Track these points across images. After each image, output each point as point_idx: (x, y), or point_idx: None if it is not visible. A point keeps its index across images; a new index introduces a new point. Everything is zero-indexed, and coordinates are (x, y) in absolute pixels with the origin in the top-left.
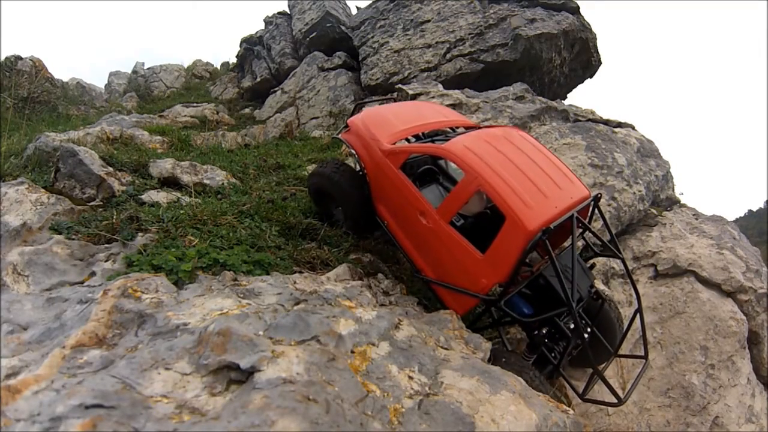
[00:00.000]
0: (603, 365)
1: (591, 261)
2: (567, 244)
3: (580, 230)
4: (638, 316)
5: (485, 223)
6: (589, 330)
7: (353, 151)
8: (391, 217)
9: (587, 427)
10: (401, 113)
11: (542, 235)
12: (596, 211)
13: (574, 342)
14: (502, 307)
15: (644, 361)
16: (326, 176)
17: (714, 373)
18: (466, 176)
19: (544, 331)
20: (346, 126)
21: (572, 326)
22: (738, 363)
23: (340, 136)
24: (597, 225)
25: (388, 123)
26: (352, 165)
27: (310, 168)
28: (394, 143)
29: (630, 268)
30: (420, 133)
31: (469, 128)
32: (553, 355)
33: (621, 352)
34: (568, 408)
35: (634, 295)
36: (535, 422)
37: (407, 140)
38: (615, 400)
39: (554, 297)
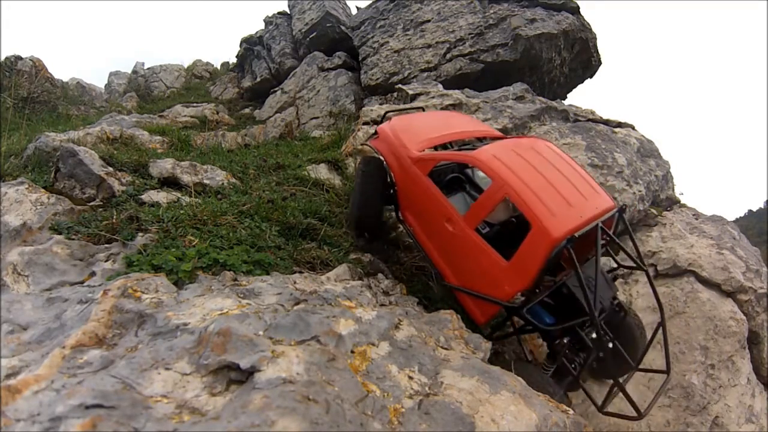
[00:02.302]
0: (623, 378)
1: (613, 272)
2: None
3: (605, 241)
4: (661, 328)
5: (510, 231)
6: (610, 342)
7: (382, 158)
8: (418, 224)
9: (587, 427)
10: (429, 122)
11: (567, 243)
12: (621, 222)
13: (595, 353)
14: (524, 315)
15: (666, 375)
16: (362, 163)
17: (714, 373)
18: (493, 184)
19: (565, 341)
20: (375, 133)
21: (594, 337)
22: (738, 363)
23: (369, 143)
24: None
25: (417, 131)
26: None
27: (310, 168)
28: (423, 151)
29: (630, 269)
30: (448, 143)
31: (496, 138)
32: (573, 366)
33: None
34: (568, 408)
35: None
36: (535, 422)
37: (435, 149)
38: (634, 414)
39: (577, 307)
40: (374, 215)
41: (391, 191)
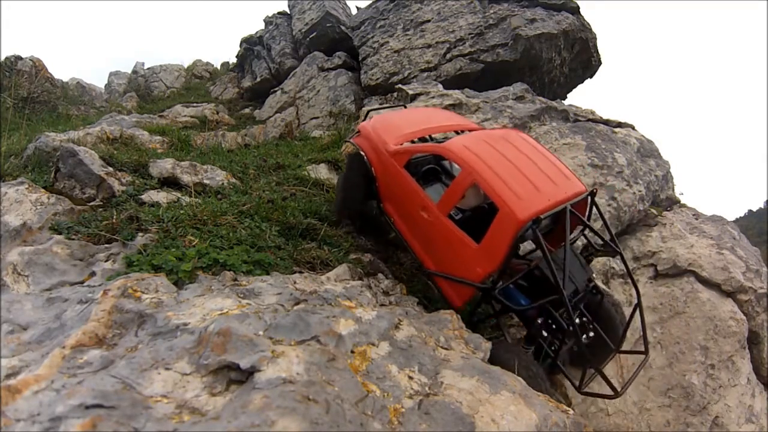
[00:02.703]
0: (604, 362)
1: (592, 259)
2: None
3: (580, 227)
4: (638, 311)
5: (482, 216)
6: (591, 326)
7: (363, 154)
8: (397, 214)
9: (587, 427)
10: (408, 118)
11: (532, 225)
12: (595, 208)
13: (573, 335)
14: (496, 296)
15: (644, 356)
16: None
17: (714, 373)
18: (462, 171)
19: (539, 322)
20: (358, 131)
21: (576, 321)
22: (738, 363)
23: (351, 140)
24: (596, 224)
25: (396, 126)
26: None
27: (310, 168)
28: (401, 145)
29: (630, 268)
30: (428, 136)
31: (473, 131)
32: (552, 348)
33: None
34: (568, 408)
35: (634, 291)
36: (535, 422)
37: (413, 142)
38: (612, 394)
39: (549, 287)
40: (357, 208)
41: (373, 185)
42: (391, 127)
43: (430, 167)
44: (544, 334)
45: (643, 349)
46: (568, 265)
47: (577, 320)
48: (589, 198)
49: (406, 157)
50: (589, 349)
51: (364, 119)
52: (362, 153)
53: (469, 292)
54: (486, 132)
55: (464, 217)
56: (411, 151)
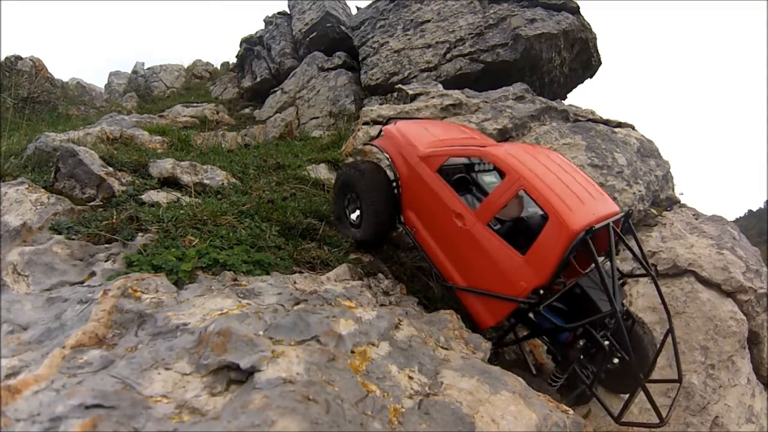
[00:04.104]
0: (632, 390)
1: (621, 280)
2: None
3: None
4: (670, 336)
5: (522, 229)
6: (620, 354)
7: (387, 155)
8: (421, 223)
9: (587, 427)
10: (434, 127)
11: (585, 235)
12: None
13: (610, 358)
14: (542, 312)
15: (678, 383)
16: (361, 171)
17: (714, 373)
18: (508, 177)
19: (580, 344)
20: (380, 133)
21: (607, 342)
22: (738, 363)
23: (373, 143)
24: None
25: (424, 132)
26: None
27: (310, 168)
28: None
29: (630, 268)
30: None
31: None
32: (584, 373)
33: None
34: (568, 408)
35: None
36: (535, 422)
37: None
38: (657, 423)
39: (591, 307)
40: (390, 231)
41: (395, 192)
42: (421, 132)
43: (460, 176)
44: (582, 357)
45: (676, 376)
46: (614, 281)
47: (606, 342)
48: (623, 219)
49: (441, 161)
50: (617, 376)
51: (386, 124)
52: (386, 155)
53: (506, 309)
54: (524, 144)
55: (504, 229)
56: (446, 154)
